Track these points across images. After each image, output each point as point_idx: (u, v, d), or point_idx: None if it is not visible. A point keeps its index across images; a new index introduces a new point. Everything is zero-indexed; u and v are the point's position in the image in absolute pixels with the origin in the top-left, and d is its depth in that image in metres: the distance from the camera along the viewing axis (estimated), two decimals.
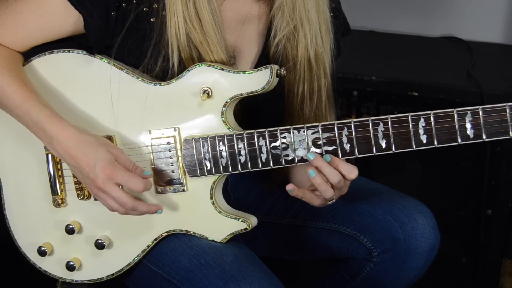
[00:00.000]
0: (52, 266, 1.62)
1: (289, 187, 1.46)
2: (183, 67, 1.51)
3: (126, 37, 1.51)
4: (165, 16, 1.49)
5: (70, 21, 1.52)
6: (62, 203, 1.58)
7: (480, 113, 1.37)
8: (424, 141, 1.40)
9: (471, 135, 1.38)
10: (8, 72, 1.50)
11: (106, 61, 1.53)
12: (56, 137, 1.45)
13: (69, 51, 1.55)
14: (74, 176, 1.55)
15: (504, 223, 2.27)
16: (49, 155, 1.56)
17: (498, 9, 2.63)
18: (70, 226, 1.57)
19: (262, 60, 1.61)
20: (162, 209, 1.52)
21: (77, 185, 1.56)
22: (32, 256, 1.62)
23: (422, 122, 1.39)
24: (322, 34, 1.60)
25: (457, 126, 1.38)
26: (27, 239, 1.62)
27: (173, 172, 1.52)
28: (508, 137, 1.37)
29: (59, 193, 1.58)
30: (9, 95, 1.48)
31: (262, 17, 1.60)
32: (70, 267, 1.59)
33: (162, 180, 1.53)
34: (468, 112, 1.37)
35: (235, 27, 1.58)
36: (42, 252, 1.59)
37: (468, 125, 1.38)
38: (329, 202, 1.50)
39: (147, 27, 1.51)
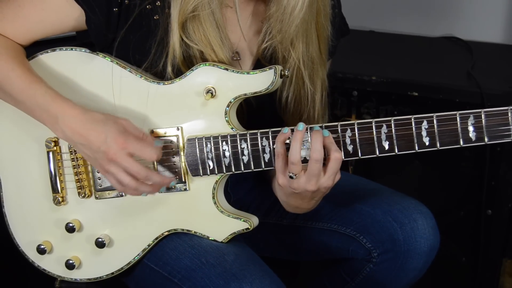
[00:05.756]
0: (51, 264, 1.61)
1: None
2: (185, 67, 1.51)
3: (129, 33, 1.51)
4: (169, 14, 1.49)
5: (72, 16, 1.51)
6: (63, 201, 1.58)
7: (483, 116, 1.38)
8: (427, 143, 1.40)
9: (473, 138, 1.39)
10: (12, 59, 1.49)
11: (109, 59, 1.52)
12: (61, 116, 1.43)
13: (71, 49, 1.54)
14: (75, 174, 1.55)
15: (504, 223, 2.28)
16: (50, 153, 1.56)
17: (498, 9, 2.63)
18: (71, 225, 1.56)
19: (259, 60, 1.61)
20: (175, 180, 1.51)
21: (78, 183, 1.55)
22: (31, 254, 1.61)
23: (425, 125, 1.40)
24: (321, 48, 1.60)
25: (459, 129, 1.39)
26: (26, 237, 1.61)
27: (175, 171, 1.51)
28: (509, 139, 1.38)
29: (60, 191, 1.57)
30: (13, 81, 1.48)
31: (261, 15, 1.60)
32: (69, 266, 1.58)
33: None
34: (471, 115, 1.38)
35: (238, 25, 1.57)
36: (41, 251, 1.58)
37: (471, 128, 1.38)
38: (293, 183, 1.43)
39: (151, 24, 1.50)
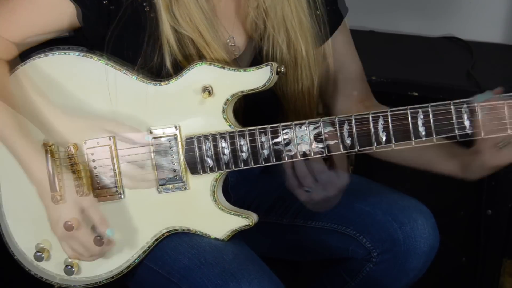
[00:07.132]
0: (51, 267, 1.60)
1: None
2: (181, 64, 1.52)
3: (121, 28, 1.51)
4: (159, 7, 1.49)
5: (65, 13, 1.51)
6: (61, 199, 1.57)
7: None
8: (423, 133, 1.42)
9: (467, 126, 1.41)
10: None
11: (103, 62, 1.52)
12: (30, 171, 1.48)
13: (64, 53, 1.53)
14: (73, 173, 1.54)
15: (504, 223, 2.27)
16: (48, 152, 1.55)
17: (498, 9, 2.63)
18: (69, 223, 1.55)
19: (257, 55, 1.62)
20: None
21: (77, 181, 1.55)
22: (30, 256, 1.60)
23: (420, 115, 1.42)
24: (308, 39, 1.60)
25: (454, 118, 1.41)
26: (24, 237, 1.60)
27: (174, 171, 1.51)
28: (506, 134, 1.41)
29: (58, 190, 1.56)
30: None
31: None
32: (68, 271, 1.57)
33: (163, 179, 1.52)
34: (464, 103, 1.42)
35: (236, 21, 1.59)
36: (40, 250, 1.57)
37: (465, 116, 1.41)
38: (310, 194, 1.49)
39: (142, 18, 1.51)
